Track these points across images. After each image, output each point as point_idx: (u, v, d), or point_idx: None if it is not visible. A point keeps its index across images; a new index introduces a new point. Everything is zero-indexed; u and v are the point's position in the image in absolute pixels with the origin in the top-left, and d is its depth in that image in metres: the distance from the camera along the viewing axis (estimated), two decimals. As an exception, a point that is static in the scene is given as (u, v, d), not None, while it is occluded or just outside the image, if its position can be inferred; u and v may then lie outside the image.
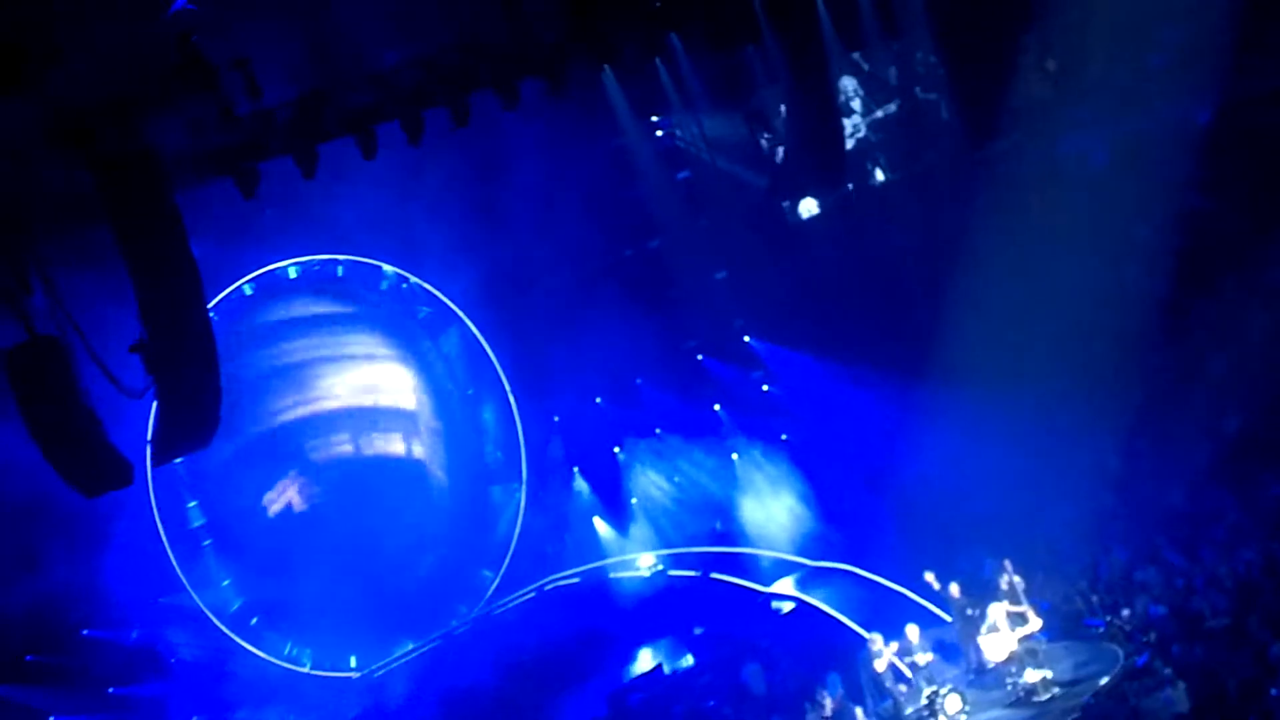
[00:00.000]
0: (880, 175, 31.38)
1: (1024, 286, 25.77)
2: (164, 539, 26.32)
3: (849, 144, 30.79)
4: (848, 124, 30.74)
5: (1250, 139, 26.21)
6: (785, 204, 31.68)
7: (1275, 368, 24.16)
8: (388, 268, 30.21)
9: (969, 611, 21.31)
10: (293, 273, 29.15)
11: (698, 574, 29.18)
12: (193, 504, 27.69)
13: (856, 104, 30.88)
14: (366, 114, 18.76)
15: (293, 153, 18.34)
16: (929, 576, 22.23)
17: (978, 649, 20.95)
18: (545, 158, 28.91)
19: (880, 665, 21.27)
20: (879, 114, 31.10)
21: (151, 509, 26.03)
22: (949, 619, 22.34)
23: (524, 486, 31.24)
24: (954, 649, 21.90)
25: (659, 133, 31.54)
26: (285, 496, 29.00)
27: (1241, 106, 26.27)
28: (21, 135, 13.15)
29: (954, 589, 21.74)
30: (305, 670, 28.28)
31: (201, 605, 26.80)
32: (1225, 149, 26.10)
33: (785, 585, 27.94)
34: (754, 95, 31.24)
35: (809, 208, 31.50)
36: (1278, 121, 26.28)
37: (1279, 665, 17.10)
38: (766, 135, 31.58)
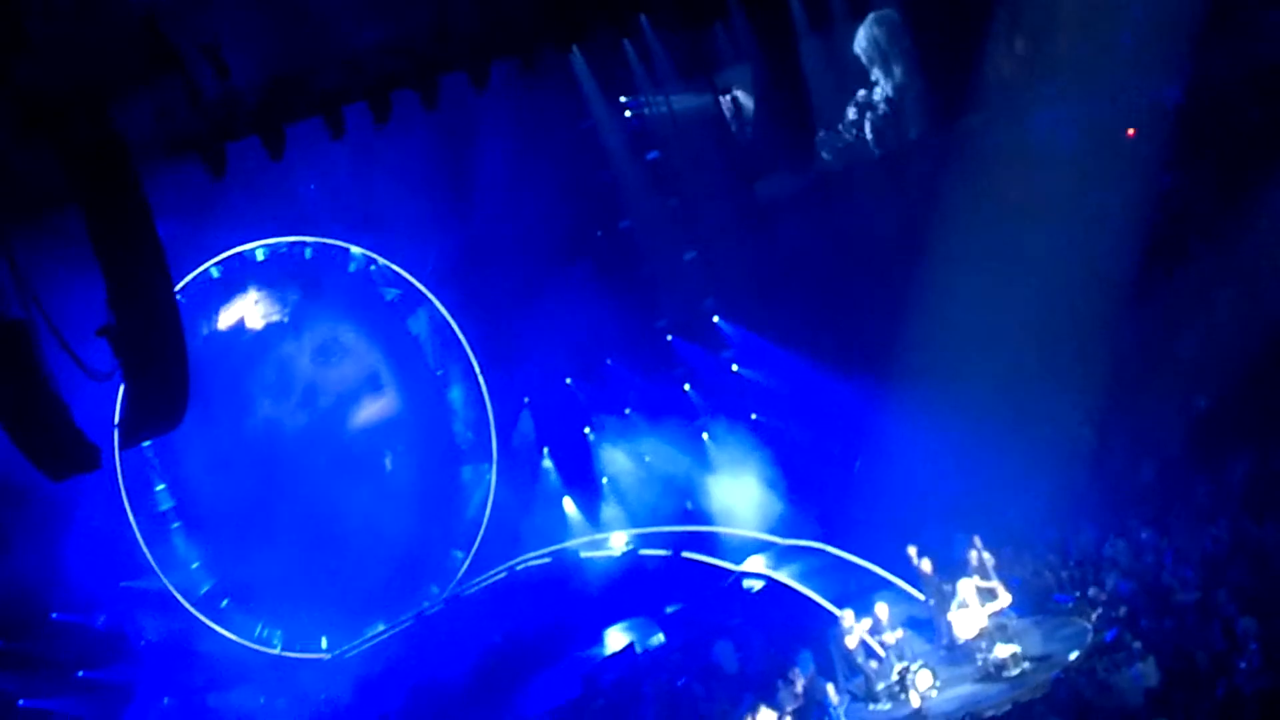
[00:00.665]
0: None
1: (994, 264, 25.78)
2: (133, 522, 26.24)
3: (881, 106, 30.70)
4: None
5: (1220, 117, 26.29)
6: (756, 184, 31.64)
7: (1245, 345, 24.23)
8: (356, 249, 30.11)
9: (943, 588, 21.41)
10: (260, 255, 29.02)
11: (669, 553, 29.25)
12: (161, 487, 27.62)
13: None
14: (335, 96, 18.69)
15: (260, 134, 18.27)
16: (911, 551, 22.22)
17: (948, 625, 21.05)
18: (515, 139, 28.88)
19: (852, 642, 21.36)
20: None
21: (119, 492, 25.96)
22: (920, 595, 22.43)
23: (494, 467, 31.25)
24: (926, 625, 22.01)
25: (628, 113, 31.46)
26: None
27: (1212, 85, 26.34)
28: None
29: (926, 565, 21.83)
30: (276, 652, 28.26)
31: (171, 588, 26.75)
32: (1195, 127, 26.19)
33: (756, 564, 27.99)
34: (723, 74, 31.18)
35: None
36: (1247, 99, 26.38)
37: (1247, 639, 17.17)
38: (736, 115, 31.52)
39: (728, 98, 31.14)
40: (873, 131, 30.87)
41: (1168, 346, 25.66)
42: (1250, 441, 23.18)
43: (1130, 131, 27.05)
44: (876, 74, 30.73)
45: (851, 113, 30.94)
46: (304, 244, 29.49)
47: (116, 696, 25.66)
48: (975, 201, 26.16)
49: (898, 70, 30.61)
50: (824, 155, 30.88)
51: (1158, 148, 26.06)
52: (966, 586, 20.91)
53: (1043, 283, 25.89)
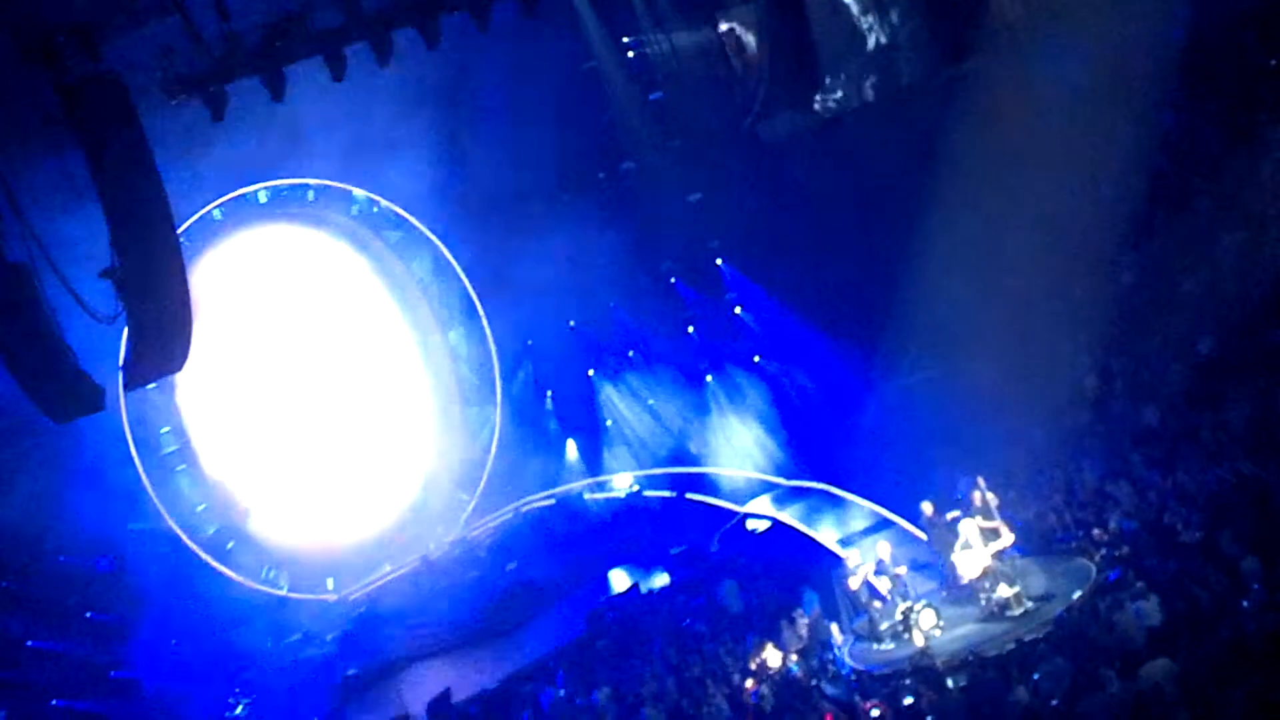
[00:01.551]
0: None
1: (998, 206, 25.67)
2: (138, 464, 26.27)
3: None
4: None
5: (1225, 57, 26.09)
6: (759, 126, 31.45)
7: (1247, 287, 24.14)
8: (358, 191, 30.01)
9: (947, 528, 21.43)
10: (263, 197, 28.94)
11: (673, 494, 29.33)
12: (165, 430, 27.63)
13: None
14: (335, 36, 18.55)
15: (261, 75, 18.16)
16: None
17: (952, 565, 21.09)
18: (519, 80, 28.73)
19: (856, 583, 21.42)
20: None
21: (124, 434, 25.96)
22: (924, 536, 22.47)
23: (498, 409, 31.30)
24: (930, 565, 22.06)
25: (631, 54, 31.27)
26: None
27: (1216, 25, 26.12)
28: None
29: (927, 507, 21.84)
30: (282, 593, 28.36)
31: (177, 530, 26.83)
32: (1200, 67, 25.99)
33: (760, 504, 28.06)
34: (725, 12, 30.93)
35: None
36: (1252, 39, 26.18)
37: (1250, 578, 17.19)
38: (739, 54, 31.29)
39: (731, 35, 30.92)
40: (871, 76, 30.64)
41: (1171, 288, 25.55)
42: (1253, 383, 23.13)
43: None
44: (873, 17, 30.48)
45: (850, 59, 30.69)
46: (306, 185, 29.40)
47: (123, 638, 25.77)
48: (978, 144, 25.99)
49: (896, 11, 30.33)
50: (822, 111, 30.66)
51: (1163, 88, 25.87)
52: (970, 527, 20.92)
53: (1046, 226, 25.77)
